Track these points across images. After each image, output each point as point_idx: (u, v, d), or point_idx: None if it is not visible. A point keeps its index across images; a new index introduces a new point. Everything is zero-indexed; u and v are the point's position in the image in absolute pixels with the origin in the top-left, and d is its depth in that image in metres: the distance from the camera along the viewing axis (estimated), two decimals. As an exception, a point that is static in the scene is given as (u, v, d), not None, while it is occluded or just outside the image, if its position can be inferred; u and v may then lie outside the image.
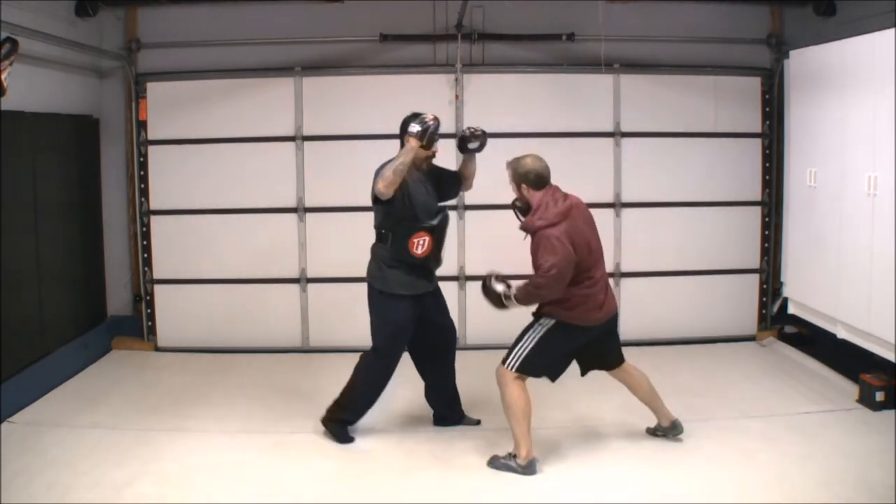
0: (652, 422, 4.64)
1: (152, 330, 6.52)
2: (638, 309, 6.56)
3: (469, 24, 6.32)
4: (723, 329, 6.61)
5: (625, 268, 6.57)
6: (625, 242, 6.55)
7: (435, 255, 4.53)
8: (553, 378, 4.41)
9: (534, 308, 4.32)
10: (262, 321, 6.45)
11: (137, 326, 6.55)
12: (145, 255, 6.49)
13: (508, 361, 4.25)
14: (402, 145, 4.44)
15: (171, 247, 6.45)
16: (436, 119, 4.38)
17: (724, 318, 6.63)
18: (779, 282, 6.46)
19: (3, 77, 3.93)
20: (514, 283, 4.28)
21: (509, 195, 4.43)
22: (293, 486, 4.11)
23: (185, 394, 5.45)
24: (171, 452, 4.48)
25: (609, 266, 6.51)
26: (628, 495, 3.99)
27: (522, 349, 4.25)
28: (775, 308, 6.58)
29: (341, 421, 4.66)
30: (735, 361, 6.09)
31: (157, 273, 6.48)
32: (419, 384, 4.97)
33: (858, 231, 5.09)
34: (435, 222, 4.48)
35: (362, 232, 6.38)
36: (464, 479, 4.19)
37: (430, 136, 4.33)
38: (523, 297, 4.23)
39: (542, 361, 4.27)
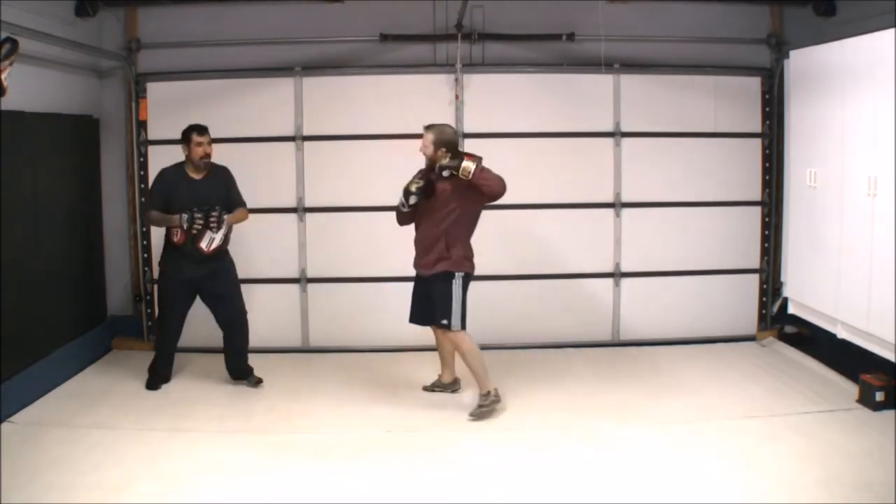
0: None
1: (152, 330, 6.51)
2: (638, 309, 6.57)
3: (469, 24, 6.32)
4: (723, 329, 6.61)
5: (625, 268, 6.57)
6: (625, 242, 6.54)
7: (190, 246, 5.29)
8: None
9: (435, 269, 4.95)
10: (262, 321, 6.43)
11: (137, 326, 6.56)
12: (145, 255, 6.49)
13: (453, 324, 4.90)
14: (185, 148, 5.34)
15: (171, 247, 6.45)
16: (206, 218, 5.27)
17: (724, 318, 6.63)
18: (779, 282, 6.46)
19: (3, 77, 3.93)
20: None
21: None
22: (293, 486, 4.10)
23: (185, 394, 5.46)
24: (171, 452, 4.48)
25: (609, 266, 6.57)
26: (628, 495, 3.99)
27: (456, 308, 4.91)
28: (775, 308, 6.58)
29: (154, 373, 5.57)
30: (735, 361, 6.09)
31: (157, 273, 6.46)
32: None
33: (858, 231, 5.09)
34: (185, 217, 5.21)
35: (362, 232, 6.44)
36: (467, 477, 4.18)
37: (188, 230, 5.25)
38: (488, 174, 4.78)
39: (465, 311, 4.97)
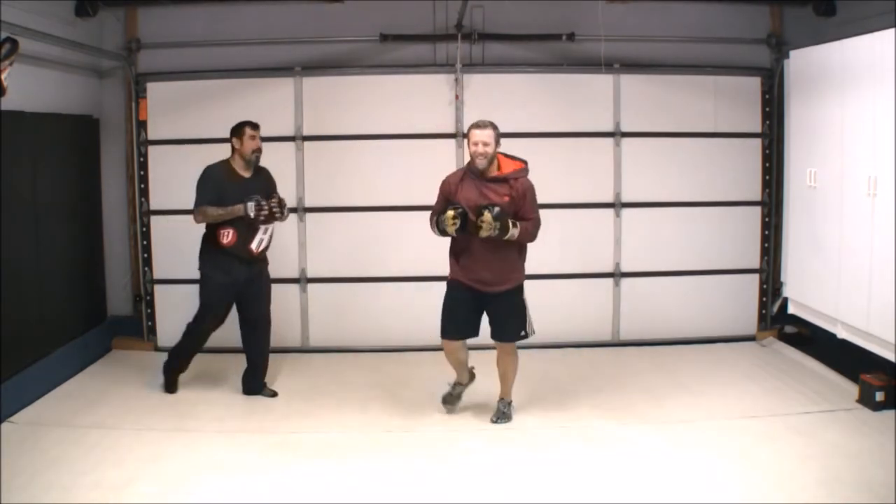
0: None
1: (152, 330, 6.52)
2: (638, 309, 6.57)
3: (469, 24, 6.32)
4: (723, 329, 6.61)
5: (625, 268, 6.57)
6: (625, 242, 6.55)
7: (241, 247, 5.13)
8: None
9: (506, 284, 4.70)
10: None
11: (137, 326, 6.55)
12: (145, 255, 6.49)
13: (526, 333, 4.77)
14: (232, 143, 5.18)
15: (171, 247, 6.43)
16: (267, 206, 5.07)
17: (724, 318, 6.63)
18: (779, 282, 6.46)
19: (3, 77, 3.92)
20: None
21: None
22: (293, 486, 4.10)
23: (185, 394, 5.45)
24: (171, 452, 4.48)
25: (609, 266, 6.57)
26: (628, 495, 3.99)
27: (529, 318, 4.77)
28: (775, 308, 6.58)
29: (173, 373, 5.43)
30: (735, 361, 6.09)
31: (157, 273, 6.47)
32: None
33: (858, 231, 5.09)
34: (252, 205, 5.04)
35: (362, 232, 6.45)
36: (467, 477, 4.18)
37: (255, 218, 5.04)
38: (525, 234, 4.65)
39: None
